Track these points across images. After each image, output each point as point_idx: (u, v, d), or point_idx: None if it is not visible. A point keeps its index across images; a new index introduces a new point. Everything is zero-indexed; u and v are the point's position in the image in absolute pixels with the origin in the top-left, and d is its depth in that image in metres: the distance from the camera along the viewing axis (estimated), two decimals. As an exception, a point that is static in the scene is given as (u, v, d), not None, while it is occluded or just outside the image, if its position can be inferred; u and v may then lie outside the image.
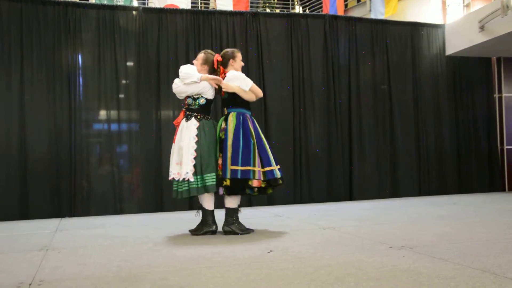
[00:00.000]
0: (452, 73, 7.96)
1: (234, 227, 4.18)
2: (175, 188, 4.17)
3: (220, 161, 4.11)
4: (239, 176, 4.02)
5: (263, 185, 4.11)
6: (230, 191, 4.13)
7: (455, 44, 7.74)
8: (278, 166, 4.22)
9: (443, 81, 7.90)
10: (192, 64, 4.38)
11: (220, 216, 4.33)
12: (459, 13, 8.33)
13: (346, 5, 10.95)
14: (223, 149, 4.11)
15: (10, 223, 5.56)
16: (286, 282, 2.48)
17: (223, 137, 4.15)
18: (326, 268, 2.75)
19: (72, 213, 6.05)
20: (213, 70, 4.31)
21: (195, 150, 4.07)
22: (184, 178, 4.02)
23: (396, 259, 2.94)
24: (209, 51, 4.43)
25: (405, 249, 3.25)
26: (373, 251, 3.24)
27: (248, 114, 4.27)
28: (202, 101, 4.20)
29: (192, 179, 4.02)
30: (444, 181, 7.75)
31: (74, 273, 2.83)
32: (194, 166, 4.04)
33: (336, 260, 2.98)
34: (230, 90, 4.19)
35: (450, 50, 7.85)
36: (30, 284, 2.59)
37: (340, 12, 9.73)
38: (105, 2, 7.06)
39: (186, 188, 4.05)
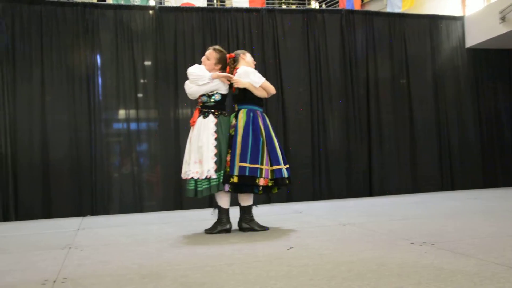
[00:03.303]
0: (473, 65, 7.83)
1: (252, 224, 4.18)
2: (192, 187, 4.07)
3: (228, 158, 4.07)
4: (247, 173, 3.97)
5: (269, 184, 4.05)
6: (236, 189, 4.10)
7: (475, 36, 7.60)
8: (287, 166, 4.18)
9: (463, 74, 7.78)
10: (201, 63, 4.32)
11: (234, 213, 4.33)
12: (479, 4, 8.18)
13: (362, 0, 10.83)
14: (232, 146, 4.08)
15: (34, 222, 5.67)
16: (306, 279, 2.47)
17: (232, 133, 4.13)
18: (347, 265, 2.73)
19: (93, 212, 6.14)
20: (225, 68, 4.29)
21: (215, 147, 4.05)
22: (206, 176, 3.99)
23: (418, 255, 2.91)
24: (217, 47, 4.32)
25: (426, 245, 3.21)
26: (394, 247, 3.21)
27: (259, 111, 4.23)
28: (217, 97, 4.19)
29: (214, 176, 3.99)
30: (467, 175, 7.63)
31: (96, 271, 2.87)
32: (215, 163, 4.02)
33: (357, 256, 2.96)
34: (241, 86, 4.17)
35: (470, 42, 7.72)
36: (54, 281, 2.63)
37: (357, 6, 9.62)
38: (122, 2, 7.10)
39: (206, 186, 4.01)
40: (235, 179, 3.98)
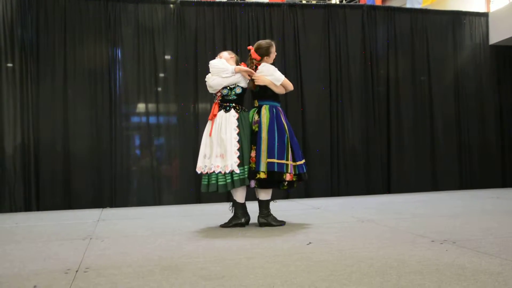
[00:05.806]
0: (496, 63, 7.70)
1: (270, 219, 4.18)
2: (213, 181, 4.07)
3: (253, 154, 4.09)
4: (275, 169, 4.00)
5: (294, 179, 4.10)
6: (263, 184, 4.09)
7: (500, 32, 7.46)
8: (304, 161, 4.23)
9: (486, 71, 7.65)
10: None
11: (252, 208, 4.34)
12: (504, 0, 8.02)
13: (383, -4, 10.74)
14: (256, 142, 4.10)
15: (55, 212, 5.76)
16: (326, 274, 2.46)
17: (256, 129, 4.14)
18: (366, 261, 2.71)
19: (113, 204, 6.21)
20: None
21: (238, 142, 4.06)
22: (230, 170, 3.98)
23: (439, 253, 2.88)
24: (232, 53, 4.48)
25: (447, 243, 3.17)
26: (414, 244, 3.18)
27: (279, 107, 4.28)
28: (238, 90, 4.22)
29: (237, 171, 3.99)
30: (487, 174, 7.53)
31: (117, 261, 2.91)
32: (239, 157, 4.04)
33: (377, 253, 2.94)
34: (261, 83, 4.19)
35: (494, 39, 7.58)
36: (76, 271, 2.67)
37: (378, 2, 9.53)
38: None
39: (229, 180, 4.01)
40: (263, 175, 4.00)
